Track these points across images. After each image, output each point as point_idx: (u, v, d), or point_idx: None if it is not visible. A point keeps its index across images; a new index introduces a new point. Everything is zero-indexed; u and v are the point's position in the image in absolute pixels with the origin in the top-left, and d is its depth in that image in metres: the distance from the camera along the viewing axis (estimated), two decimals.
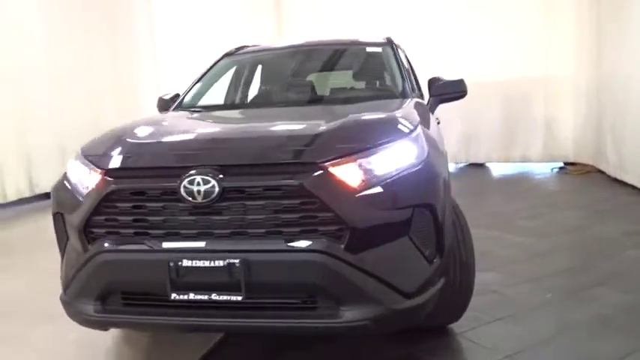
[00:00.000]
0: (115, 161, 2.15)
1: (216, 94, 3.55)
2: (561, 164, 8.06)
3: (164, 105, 3.50)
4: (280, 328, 2.02)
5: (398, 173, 2.05)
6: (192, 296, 2.00)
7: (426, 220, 2.09)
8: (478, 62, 8.36)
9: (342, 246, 1.92)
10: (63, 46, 7.12)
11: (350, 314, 1.95)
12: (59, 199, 2.30)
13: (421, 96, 3.32)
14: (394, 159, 2.07)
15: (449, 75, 3.35)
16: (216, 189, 1.94)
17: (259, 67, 3.83)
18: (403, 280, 2.03)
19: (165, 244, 2.02)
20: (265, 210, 1.95)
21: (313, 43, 3.87)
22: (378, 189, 1.99)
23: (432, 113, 3.23)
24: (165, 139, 2.30)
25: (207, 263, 1.96)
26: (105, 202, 2.07)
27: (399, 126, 2.24)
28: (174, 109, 3.31)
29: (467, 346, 2.52)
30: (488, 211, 5.34)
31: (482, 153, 8.79)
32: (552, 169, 7.96)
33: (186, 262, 1.97)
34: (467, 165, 8.91)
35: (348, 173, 1.97)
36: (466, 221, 2.54)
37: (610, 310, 2.81)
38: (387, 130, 2.20)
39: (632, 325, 2.65)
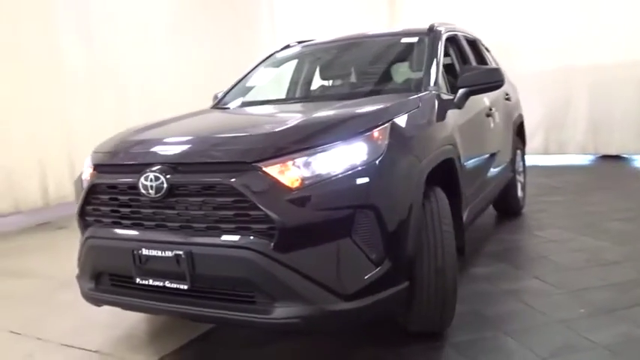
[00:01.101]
0: (101, 158, 2.43)
1: (262, 91, 3.69)
2: None
3: (213, 102, 3.76)
4: (220, 318, 2.13)
5: (337, 174, 2.01)
6: (151, 282, 2.20)
7: (371, 222, 2.03)
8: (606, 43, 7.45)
9: (272, 244, 1.96)
10: (190, 46, 7.74)
11: (281, 311, 1.99)
12: (76, 190, 2.66)
13: (449, 88, 3.12)
14: (333, 159, 2.03)
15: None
16: (165, 185, 2.10)
17: (296, 63, 3.90)
18: (341, 282, 2.00)
19: (131, 234, 2.24)
20: (205, 206, 2.06)
21: (354, 36, 3.82)
22: (312, 190, 1.98)
23: (461, 107, 3.04)
24: (141, 138, 2.50)
25: (160, 253, 2.14)
26: (91, 193, 2.36)
27: (348, 126, 2.18)
28: (211, 107, 3.55)
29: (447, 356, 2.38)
30: (582, 211, 4.80)
31: (615, 143, 7.80)
32: None
33: (145, 251, 2.17)
34: (598, 157, 7.98)
35: (281, 173, 2.00)
36: (450, 225, 2.38)
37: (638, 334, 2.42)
38: (331, 131, 2.15)
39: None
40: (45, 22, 6.03)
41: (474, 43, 4.48)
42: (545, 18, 8.02)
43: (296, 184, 1.99)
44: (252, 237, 1.99)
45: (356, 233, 2.01)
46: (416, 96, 2.70)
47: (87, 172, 2.43)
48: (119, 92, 6.77)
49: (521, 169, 4.90)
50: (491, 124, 3.69)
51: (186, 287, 2.12)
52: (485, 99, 3.67)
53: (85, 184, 2.39)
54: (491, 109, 3.71)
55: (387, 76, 3.36)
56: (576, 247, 3.74)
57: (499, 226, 4.51)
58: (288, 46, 3.96)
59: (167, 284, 2.16)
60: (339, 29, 8.62)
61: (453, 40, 3.78)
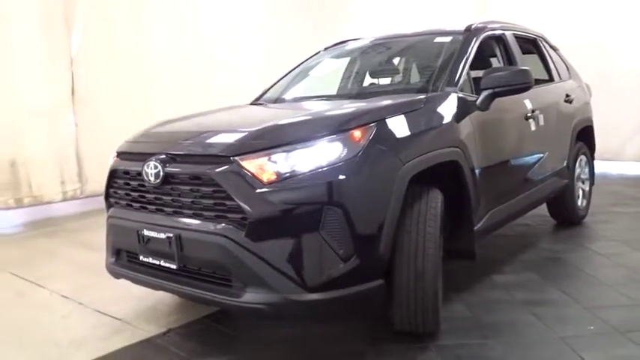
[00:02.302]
0: (123, 147, 2.72)
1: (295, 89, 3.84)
2: None
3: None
4: (199, 297, 2.32)
5: (309, 171, 2.12)
6: (151, 260, 2.45)
7: (339, 219, 2.11)
8: None
9: (244, 233, 2.11)
10: (276, 47, 8.02)
11: (249, 296, 2.15)
12: None
13: (472, 89, 3.05)
14: (308, 157, 2.14)
15: None
16: (161, 173, 2.33)
17: (328, 63, 3.99)
18: (305, 274, 2.11)
19: (137, 216, 2.50)
20: (192, 195, 2.26)
21: (388, 36, 3.83)
22: (283, 185, 2.11)
23: (484, 109, 2.98)
24: (155, 131, 2.76)
25: (156, 234, 2.38)
26: (112, 178, 2.66)
27: (327, 125, 2.26)
28: (250, 102, 3.76)
29: None
30: None
31: None
32: None
33: (146, 232, 2.43)
34: None
35: (257, 168, 2.14)
36: (436, 228, 2.37)
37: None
38: (310, 129, 2.25)
39: None
40: (137, 18, 6.63)
41: (534, 42, 4.30)
42: None
43: (269, 179, 2.12)
44: (227, 225, 2.16)
45: (324, 229, 2.10)
46: (422, 96, 2.70)
47: (111, 159, 2.74)
48: (204, 88, 7.25)
49: (584, 176, 4.60)
50: (532, 128, 3.53)
51: (175, 267, 2.34)
52: (527, 101, 3.52)
53: (109, 170, 2.70)
54: (534, 112, 3.55)
55: (406, 76, 3.36)
56: (622, 263, 3.47)
57: (549, 235, 4.29)
58: (327, 48, 4.06)
59: (162, 263, 2.40)
60: (425, 23, 8.55)
61: (498, 40, 3.67)
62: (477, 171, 2.84)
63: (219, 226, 2.17)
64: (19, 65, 5.86)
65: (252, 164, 2.15)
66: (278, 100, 3.64)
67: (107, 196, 2.73)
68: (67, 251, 4.45)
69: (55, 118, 6.18)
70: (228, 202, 2.15)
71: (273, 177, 2.12)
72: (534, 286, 3.15)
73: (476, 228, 2.86)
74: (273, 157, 2.15)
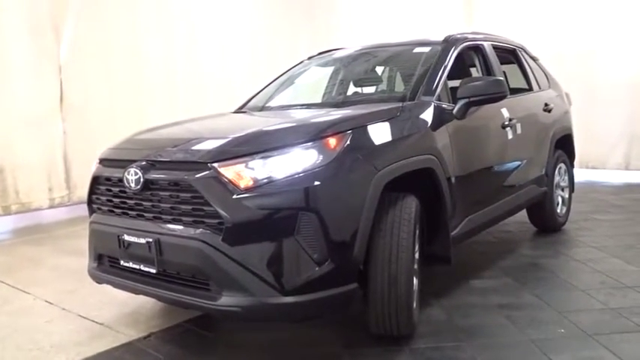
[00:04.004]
0: (106, 153, 2.78)
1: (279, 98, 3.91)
2: None
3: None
4: (178, 301, 2.37)
5: (284, 177, 2.18)
6: (131, 264, 2.50)
7: (313, 224, 2.17)
8: None
9: (220, 237, 2.17)
10: (268, 50, 8.07)
11: (225, 300, 2.20)
12: None
13: (449, 99, 3.14)
14: (284, 164, 2.20)
15: None
16: (141, 180, 2.38)
17: (309, 73, 4.07)
18: (281, 277, 2.16)
19: (118, 221, 2.55)
20: (171, 200, 2.32)
21: (370, 46, 3.91)
22: (258, 191, 2.17)
23: (460, 118, 3.06)
24: (137, 138, 2.82)
25: (136, 239, 2.43)
26: (94, 184, 2.71)
27: (302, 133, 2.33)
28: (233, 111, 3.82)
29: None
30: (630, 232, 4.53)
31: None
32: None
33: (126, 237, 2.47)
34: None
35: (234, 174, 2.20)
36: (410, 233, 2.43)
37: None
38: (285, 137, 2.33)
39: None
40: (127, 25, 6.68)
41: (513, 53, 4.40)
42: (631, 25, 7.50)
43: (246, 185, 2.18)
44: (205, 230, 2.21)
45: (299, 233, 2.16)
46: (397, 105, 2.78)
47: (94, 166, 2.79)
48: (194, 96, 7.30)
49: (564, 183, 4.69)
50: (509, 136, 3.62)
51: (154, 271, 2.39)
52: (504, 110, 3.61)
53: (91, 176, 2.75)
54: (511, 120, 3.64)
55: (389, 85, 3.44)
56: (598, 269, 3.55)
57: (529, 241, 4.37)
58: (311, 57, 4.15)
59: (142, 267, 2.45)
60: (414, 31, 8.68)
61: (477, 50, 3.76)
62: (452, 178, 2.91)
63: (197, 231, 2.23)
64: (6, 73, 5.89)
65: (229, 170, 2.21)
66: (263, 108, 3.71)
67: (90, 202, 2.78)
68: (53, 258, 4.48)
69: (43, 125, 6.20)
70: (205, 208, 2.21)
71: (250, 183, 2.19)
72: (510, 291, 3.22)
73: (452, 234, 2.93)
74: (250, 163, 2.21)
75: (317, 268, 2.19)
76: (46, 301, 3.40)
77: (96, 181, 2.70)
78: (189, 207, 2.25)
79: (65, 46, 6.33)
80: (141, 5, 6.82)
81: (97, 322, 3.00)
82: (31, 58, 6.06)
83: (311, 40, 8.49)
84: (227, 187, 2.18)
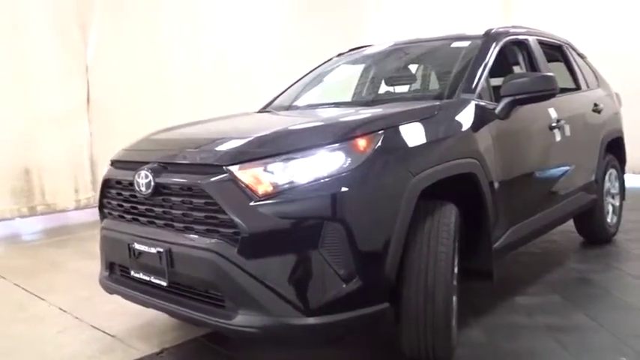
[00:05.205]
0: (118, 155, 2.59)
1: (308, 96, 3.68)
2: None
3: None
4: (189, 317, 2.15)
5: (307, 183, 1.94)
6: (142, 275, 2.30)
7: (340, 235, 1.93)
8: None
9: (236, 249, 1.94)
10: (298, 45, 7.79)
11: (241, 319, 1.97)
12: None
13: (490, 97, 2.85)
14: (306, 167, 1.97)
15: None
16: (152, 183, 2.17)
17: (341, 69, 3.82)
18: (303, 295, 1.93)
19: (129, 228, 2.36)
20: (184, 207, 2.10)
21: (405, 42, 3.63)
22: (279, 197, 1.94)
23: (504, 118, 2.78)
24: (152, 138, 2.62)
25: (146, 249, 2.22)
26: (105, 187, 2.53)
27: (327, 134, 2.08)
28: (258, 110, 3.61)
29: None
30: None
31: None
32: None
33: (137, 246, 2.27)
34: None
35: (251, 178, 1.97)
36: (450, 247, 2.16)
37: None
38: (309, 138, 2.08)
39: None
40: (154, 25, 6.56)
41: (559, 49, 4.07)
42: None
43: (265, 190, 1.95)
44: (219, 240, 1.99)
45: (323, 246, 1.92)
46: (435, 103, 2.51)
47: (106, 168, 2.61)
48: (221, 95, 7.12)
49: (614, 190, 4.32)
50: (558, 138, 3.29)
51: (165, 284, 2.18)
52: (552, 110, 3.29)
53: (102, 179, 2.56)
54: (559, 121, 3.32)
55: (424, 83, 3.17)
56: None
57: (576, 253, 4.03)
58: (341, 54, 3.90)
59: (152, 279, 2.24)
60: (447, 26, 8.32)
61: (521, 46, 3.46)
62: (495, 184, 2.63)
63: (210, 242, 2.01)
64: (33, 73, 5.84)
65: (246, 174, 1.98)
66: (289, 108, 3.48)
67: (101, 206, 2.60)
68: (74, 261, 4.38)
69: (69, 126, 6.14)
70: (220, 216, 1.98)
71: (270, 188, 1.95)
72: (559, 310, 2.90)
73: (494, 246, 2.64)
74: (270, 166, 1.98)
75: (344, 286, 1.94)
76: (60, 309, 3.25)
77: (107, 184, 2.51)
78: (203, 214, 2.04)
79: (92, 45, 6.25)
80: (168, 4, 6.71)
81: (108, 334, 2.82)
82: (58, 57, 6.00)
83: (341, 36, 8.22)
84: (244, 192, 1.95)
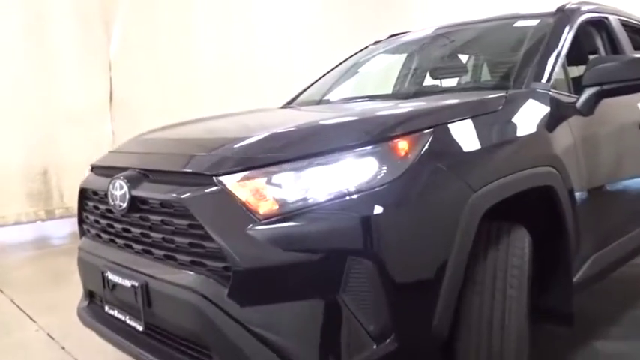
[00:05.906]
0: (100, 159, 2.10)
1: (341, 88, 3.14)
2: None
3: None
4: None
5: (327, 201, 1.39)
6: (117, 313, 1.80)
7: (371, 275, 1.36)
8: None
9: (226, 290, 1.41)
10: (330, 46, 7.42)
11: None
12: None
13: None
14: (326, 178, 1.41)
15: None
16: (127, 196, 1.67)
17: (381, 58, 3.24)
18: (317, 358, 1.37)
19: (104, 251, 1.86)
20: (164, 228, 1.58)
21: (457, 24, 3.00)
22: (287, 220, 1.39)
23: (587, 114, 2.16)
24: (144, 138, 2.11)
25: (120, 280, 1.72)
26: (81, 198, 2.05)
27: (357, 134, 1.52)
28: (282, 105, 3.09)
29: None
30: None
31: None
32: None
33: (110, 275, 1.78)
34: None
35: (249, 193, 1.43)
36: (520, 288, 1.57)
37: None
38: (332, 138, 1.52)
39: None
40: (181, 19, 6.19)
41: None
42: None
43: (268, 210, 1.41)
44: (205, 277, 1.46)
45: (347, 291, 1.36)
46: (500, 94, 1.91)
47: (86, 173, 2.13)
48: (251, 92, 6.70)
49: None
50: None
51: (140, 327, 1.66)
52: None
53: (79, 188, 2.08)
54: None
55: (478, 72, 2.57)
56: None
57: None
58: (378, 42, 3.32)
59: (127, 320, 1.73)
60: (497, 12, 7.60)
61: (600, 26, 2.81)
62: (577, 200, 2.01)
63: (193, 278, 1.48)
64: (54, 70, 5.57)
65: (243, 188, 1.44)
66: (320, 102, 2.95)
67: (80, 220, 2.12)
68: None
69: (91, 125, 5.85)
70: (207, 243, 1.45)
71: (274, 207, 1.41)
72: None
73: (574, 279, 2.03)
74: (276, 177, 1.44)
75: (375, 347, 1.38)
76: (49, 335, 2.82)
77: (83, 194, 2.03)
78: (186, 240, 1.51)
79: (115, 41, 5.92)
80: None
81: None
82: (81, 54, 5.71)
83: (377, 23, 7.67)
84: (239, 212, 1.41)
